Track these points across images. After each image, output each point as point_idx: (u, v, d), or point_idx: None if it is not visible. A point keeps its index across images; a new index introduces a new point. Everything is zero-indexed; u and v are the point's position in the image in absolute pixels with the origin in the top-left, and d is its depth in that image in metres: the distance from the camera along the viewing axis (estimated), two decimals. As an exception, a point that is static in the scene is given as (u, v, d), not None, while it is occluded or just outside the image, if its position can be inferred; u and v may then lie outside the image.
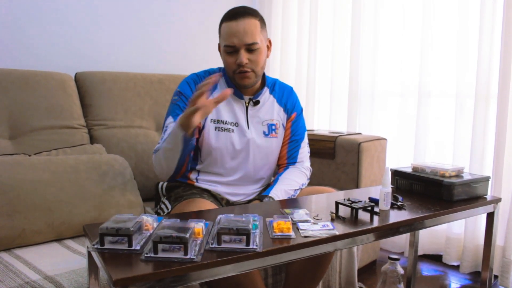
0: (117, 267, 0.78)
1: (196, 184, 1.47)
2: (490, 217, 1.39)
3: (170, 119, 1.42)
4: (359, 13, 2.42)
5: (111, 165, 1.52)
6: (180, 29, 2.44)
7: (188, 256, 0.81)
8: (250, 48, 1.37)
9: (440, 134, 2.28)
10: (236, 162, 1.47)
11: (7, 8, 1.85)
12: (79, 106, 1.85)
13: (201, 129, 1.44)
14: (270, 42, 1.49)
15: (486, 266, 1.42)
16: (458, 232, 2.18)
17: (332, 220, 1.08)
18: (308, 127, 2.59)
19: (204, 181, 1.47)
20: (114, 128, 1.88)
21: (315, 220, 1.05)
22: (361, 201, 1.15)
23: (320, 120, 2.73)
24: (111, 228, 0.85)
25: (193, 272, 0.80)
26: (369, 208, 1.13)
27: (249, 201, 1.46)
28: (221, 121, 1.45)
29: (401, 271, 1.44)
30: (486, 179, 1.40)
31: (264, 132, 1.50)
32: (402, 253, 2.36)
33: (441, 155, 2.28)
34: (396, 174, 1.48)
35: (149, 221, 0.95)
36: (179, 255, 0.81)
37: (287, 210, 1.12)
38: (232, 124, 1.46)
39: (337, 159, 2.04)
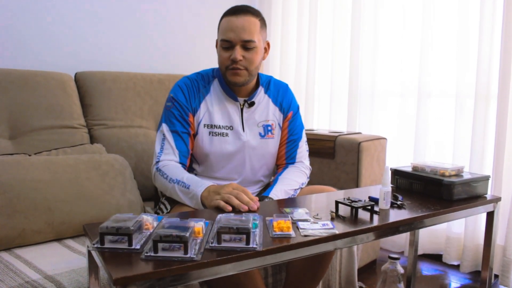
0: (117, 266, 0.78)
1: None
2: (490, 216, 1.39)
3: (165, 126, 1.41)
4: (359, 13, 2.42)
5: (111, 165, 1.52)
6: (180, 29, 2.45)
7: (188, 255, 0.81)
8: (246, 46, 1.36)
9: (440, 134, 2.28)
10: (232, 165, 1.46)
11: (7, 8, 1.85)
12: (79, 106, 1.85)
13: (195, 135, 1.44)
14: (268, 44, 1.47)
15: (486, 265, 1.41)
16: (458, 232, 2.18)
17: (332, 219, 1.08)
18: (308, 126, 2.60)
19: None
20: (114, 128, 1.88)
21: (315, 219, 1.05)
22: (361, 200, 1.15)
23: (320, 119, 2.73)
24: (111, 228, 0.85)
25: (193, 271, 0.80)
26: (369, 207, 1.13)
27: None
28: (215, 125, 1.43)
29: (401, 270, 1.44)
30: (486, 178, 1.40)
31: (260, 134, 1.49)
32: (402, 253, 2.36)
33: (441, 155, 2.28)
34: (396, 173, 1.48)
35: (149, 220, 0.95)
36: (179, 254, 0.81)
37: (287, 209, 1.12)
38: (226, 128, 1.44)
39: (337, 158, 2.04)
